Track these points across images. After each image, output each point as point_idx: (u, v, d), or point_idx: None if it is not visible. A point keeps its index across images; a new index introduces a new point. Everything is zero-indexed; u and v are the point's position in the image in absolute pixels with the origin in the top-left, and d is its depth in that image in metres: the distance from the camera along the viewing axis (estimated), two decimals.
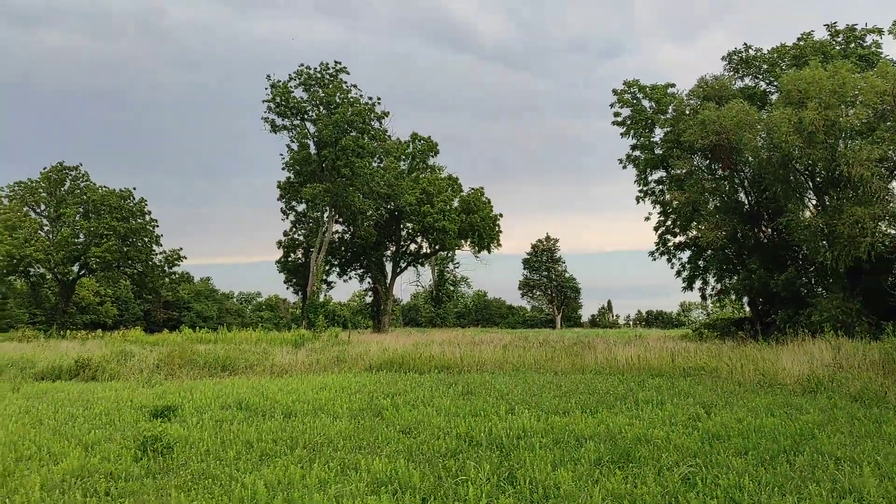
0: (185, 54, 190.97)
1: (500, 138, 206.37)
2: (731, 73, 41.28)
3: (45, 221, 69.51)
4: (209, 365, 26.54)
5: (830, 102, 31.12)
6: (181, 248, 73.47)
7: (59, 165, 70.36)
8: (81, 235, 67.60)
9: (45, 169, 70.37)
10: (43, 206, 69.99)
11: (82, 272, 70.11)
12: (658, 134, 43.65)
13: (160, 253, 72.12)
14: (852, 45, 38.51)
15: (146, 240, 70.74)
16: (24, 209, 68.26)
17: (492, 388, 15.95)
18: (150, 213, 71.67)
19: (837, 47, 38.75)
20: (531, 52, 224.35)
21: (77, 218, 67.76)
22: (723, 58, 41.89)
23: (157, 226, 71.88)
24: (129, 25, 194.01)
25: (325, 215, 56.10)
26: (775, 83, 40.11)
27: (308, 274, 58.58)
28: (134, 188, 71.36)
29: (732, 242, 39.26)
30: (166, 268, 72.76)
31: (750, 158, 36.76)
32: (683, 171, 39.51)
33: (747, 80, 42.30)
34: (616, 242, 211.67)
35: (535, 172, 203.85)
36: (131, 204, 69.64)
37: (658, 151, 42.92)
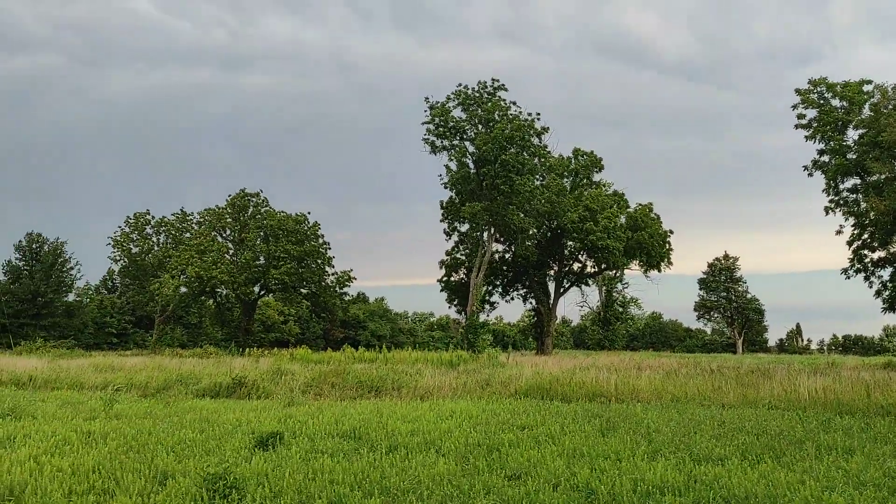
0: (370, 86, 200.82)
1: (682, 156, 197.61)
2: None
3: (230, 245, 74.48)
4: (358, 385, 26.27)
5: None
6: (351, 270, 75.97)
7: (242, 192, 75.32)
8: (262, 258, 71.72)
9: (230, 196, 75.64)
10: (228, 231, 75.08)
11: (262, 292, 74.32)
12: (851, 136, 38.80)
13: (332, 274, 75.02)
14: None
15: (319, 262, 73.84)
16: (213, 234, 73.56)
17: (639, 424, 13.90)
18: (322, 236, 74.96)
19: None
20: (715, 65, 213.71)
21: (258, 241, 72.10)
22: None
23: (330, 248, 74.96)
24: (325, 63, 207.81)
25: (485, 234, 55.35)
26: None
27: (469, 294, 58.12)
28: (309, 212, 74.87)
29: None
30: (338, 288, 75.39)
31: None
32: (883, 175, 34.64)
33: None
34: (808, 261, 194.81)
35: (717, 188, 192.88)
36: (306, 227, 73.05)
37: (851, 156, 38.04)
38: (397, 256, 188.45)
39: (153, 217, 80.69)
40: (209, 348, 56.92)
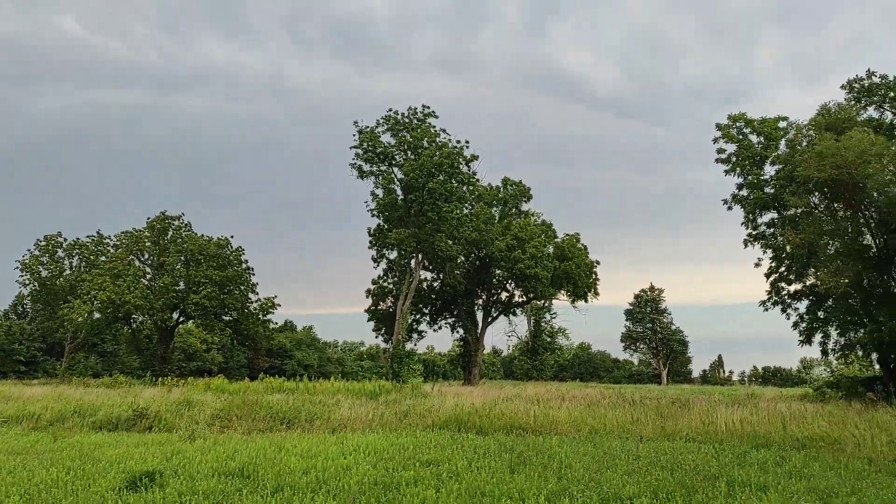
0: (308, 112, 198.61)
1: (612, 188, 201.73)
2: (854, 103, 37.02)
3: (148, 270, 71.49)
4: (269, 417, 24.97)
5: None
6: (275, 297, 73.69)
7: (163, 215, 72.59)
8: (181, 283, 68.99)
9: (149, 219, 72.80)
10: (147, 255, 72.10)
11: (181, 319, 71.43)
12: (768, 171, 39.69)
13: (255, 301, 72.67)
14: None
15: (242, 287, 71.48)
16: (130, 258, 70.47)
17: (552, 458, 13.20)
18: (246, 261, 72.70)
19: None
20: (645, 101, 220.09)
21: (178, 266, 69.38)
22: (842, 86, 37.72)
23: (254, 274, 72.71)
24: (261, 88, 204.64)
25: (412, 261, 54.54)
26: None
27: None
28: (231, 236, 72.66)
29: (857, 290, 34.61)
30: (261, 315, 73.05)
31: (876, 195, 32.46)
32: (799, 209, 35.45)
33: (871, 111, 37.89)
34: (732, 295, 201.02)
35: (647, 222, 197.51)
36: (228, 252, 70.75)
37: (769, 190, 38.89)
38: (333, 284, 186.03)
39: (65, 240, 77.03)
40: (119, 377, 53.93)
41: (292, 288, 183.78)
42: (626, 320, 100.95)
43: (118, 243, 72.50)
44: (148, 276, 70.45)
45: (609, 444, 16.30)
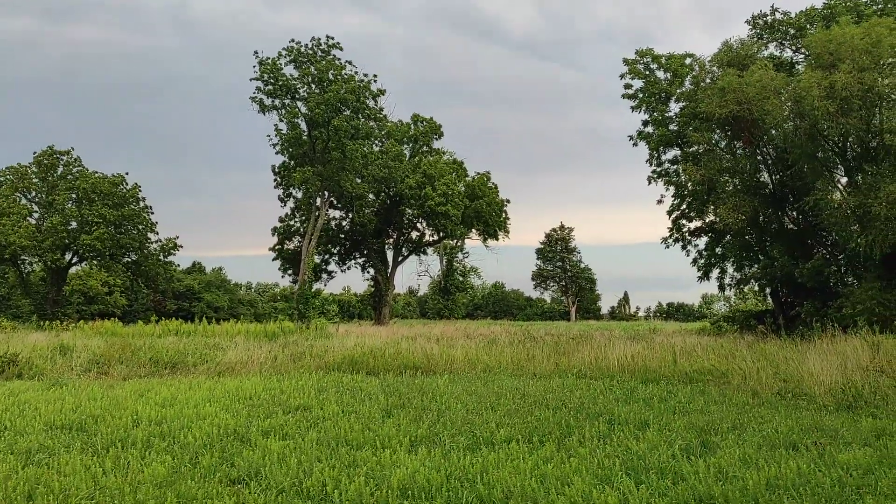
0: (211, 46, 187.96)
1: (526, 130, 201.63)
2: (756, 40, 37.14)
3: (35, 208, 66.99)
4: (152, 361, 23.54)
5: (865, 64, 27.20)
6: (177, 237, 70.54)
7: (50, 150, 67.68)
8: (73, 223, 64.98)
9: (35, 153, 67.86)
10: (34, 192, 67.43)
11: (74, 260, 67.59)
12: (673, 109, 39.74)
13: (156, 241, 69.42)
14: (891, 4, 34.20)
15: (141, 227, 68.04)
16: (15, 195, 65.73)
17: (433, 400, 12.50)
18: (144, 199, 69.01)
19: (875, 6, 34.50)
20: (559, 43, 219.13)
21: (69, 205, 65.20)
22: (746, 21, 37.81)
23: (152, 213, 69.15)
24: (159, 18, 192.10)
25: (318, 200, 52.71)
26: (803, 51, 36.04)
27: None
28: (127, 173, 68.73)
29: (753, 227, 35.35)
30: (162, 256, 69.91)
31: (774, 133, 32.88)
32: (701, 146, 35.67)
33: (773, 49, 38.19)
34: (639, 234, 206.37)
35: (559, 164, 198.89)
36: (124, 190, 66.93)
37: (673, 127, 38.99)
38: (245, 225, 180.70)
39: None
40: (3, 321, 50.68)
41: (202, 230, 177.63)
42: (538, 259, 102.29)
43: (2, 179, 67.47)
44: (35, 215, 66.08)
45: (500, 382, 15.79)
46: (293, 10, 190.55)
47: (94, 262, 68.04)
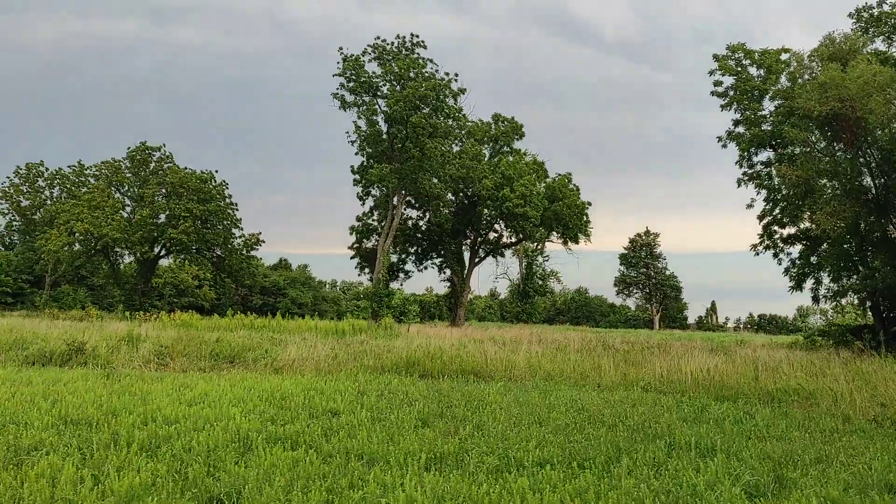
0: (305, 47, 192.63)
1: (613, 132, 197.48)
2: (861, 34, 34.29)
3: (127, 201, 69.50)
4: (214, 355, 23.40)
5: None
6: (260, 233, 72.02)
7: (143, 145, 70.15)
8: (161, 217, 67.04)
9: (129, 149, 70.40)
10: (126, 187, 69.97)
11: (161, 253, 69.69)
12: (767, 107, 37.26)
13: (240, 237, 70.90)
14: None
15: (226, 223, 69.63)
16: (109, 189, 68.28)
17: (478, 409, 11.46)
18: (230, 196, 70.63)
19: None
20: (652, 44, 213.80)
21: (158, 199, 67.27)
22: (850, 14, 34.95)
23: (237, 209, 70.65)
24: (256, 20, 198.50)
25: (395, 199, 52.36)
26: None
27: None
28: (216, 171, 70.48)
29: (853, 235, 32.57)
30: (245, 251, 71.32)
31: (878, 133, 30.18)
32: (797, 146, 33.18)
33: (879, 44, 35.20)
34: (730, 242, 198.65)
35: (646, 167, 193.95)
36: (211, 186, 68.60)
37: (766, 127, 36.52)
38: (332, 223, 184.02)
39: (47, 169, 74.84)
40: (91, 310, 52.56)
41: (291, 227, 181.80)
42: (621, 264, 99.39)
43: (97, 173, 70.34)
44: (127, 209, 68.51)
45: (558, 393, 14.58)
46: (386, 12, 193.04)
47: (181, 255, 70.04)
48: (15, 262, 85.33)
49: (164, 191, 67.77)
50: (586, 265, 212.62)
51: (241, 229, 70.75)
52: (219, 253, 70.17)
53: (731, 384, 15.44)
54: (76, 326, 35.53)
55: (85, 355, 22.54)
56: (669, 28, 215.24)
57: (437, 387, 14.99)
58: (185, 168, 69.23)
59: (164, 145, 71.51)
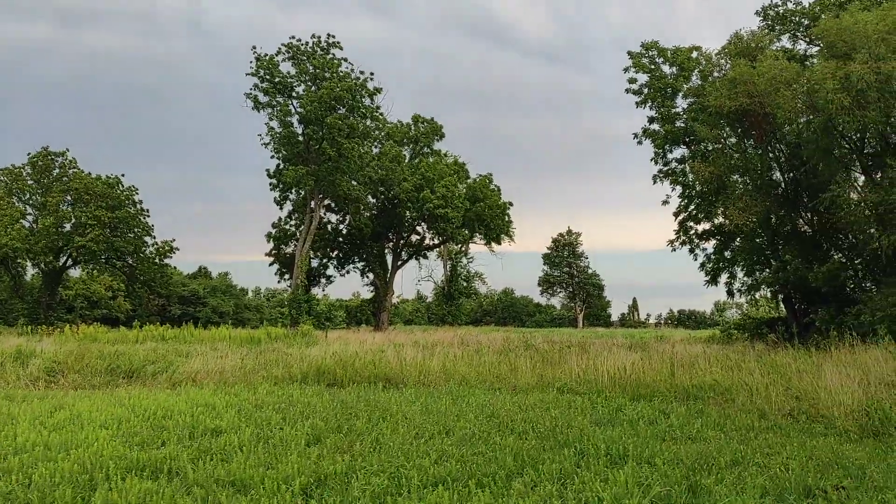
0: (224, 52, 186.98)
1: (537, 135, 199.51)
2: (768, 31, 35.03)
3: (29, 210, 65.56)
4: (111, 370, 21.78)
5: (882, 53, 25.09)
6: (174, 240, 68.98)
7: (45, 151, 66.25)
8: (67, 225, 63.52)
9: (30, 154, 66.44)
10: (28, 195, 66.00)
11: (68, 263, 66.03)
12: (680, 105, 37.72)
13: (152, 245, 67.83)
14: None
15: (137, 230, 66.52)
16: (9, 197, 64.22)
17: (380, 421, 10.60)
18: (140, 202, 67.50)
19: None
20: (572, 48, 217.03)
21: (63, 206, 63.74)
22: (756, 12, 35.69)
23: (148, 216, 67.58)
24: (173, 24, 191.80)
25: (312, 202, 50.88)
26: (817, 42, 33.91)
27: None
28: (123, 175, 67.33)
29: (765, 229, 33.23)
30: (158, 259, 68.26)
31: (787, 128, 30.82)
32: (709, 143, 33.60)
33: (785, 41, 36.06)
34: (650, 241, 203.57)
35: (569, 169, 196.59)
36: (118, 192, 65.41)
37: (680, 124, 36.93)
38: (254, 231, 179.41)
39: None
40: None
41: (213, 234, 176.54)
42: (544, 264, 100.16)
43: None
44: (29, 217, 64.62)
45: (471, 398, 13.85)
46: (307, 15, 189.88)
47: (89, 265, 66.59)
48: None
49: (69, 198, 64.29)
50: (511, 266, 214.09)
51: (154, 237, 67.78)
52: (130, 262, 66.99)
53: (647, 382, 15.04)
54: None
55: None
56: (588, 33, 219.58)
57: (342, 397, 14.04)
58: (89, 173, 65.80)
59: (68, 150, 67.82)
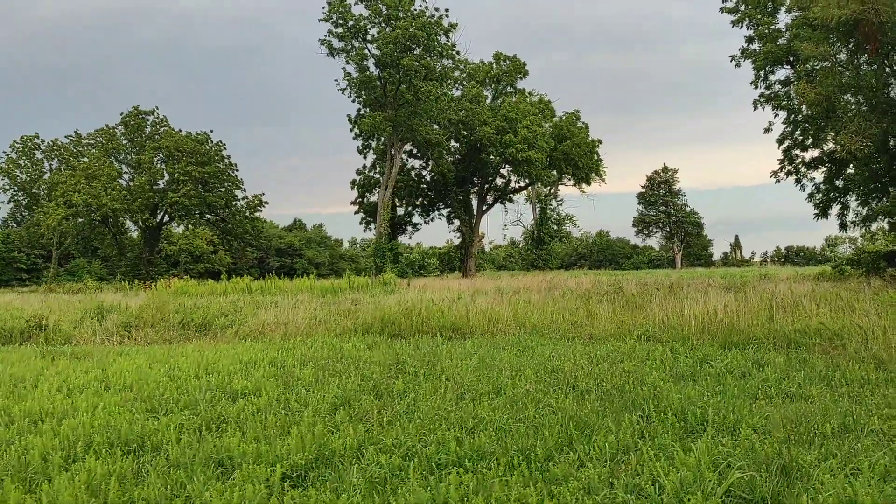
0: (305, 6, 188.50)
1: (629, 70, 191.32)
2: None
3: (125, 168, 67.76)
4: (184, 324, 21.63)
5: None
6: (263, 193, 70.04)
7: (136, 110, 68.09)
8: (161, 182, 65.31)
9: (122, 114, 68.33)
10: (123, 154, 68.13)
11: (165, 219, 68.11)
12: (783, 20, 34.12)
13: (242, 199, 69.04)
14: None
15: (228, 185, 67.74)
16: (107, 157, 66.41)
17: (428, 377, 9.44)
18: (229, 157, 68.55)
19: None
20: None
21: (156, 163, 65.45)
22: None
23: (238, 170, 68.63)
24: None
25: (392, 148, 49.85)
26: None
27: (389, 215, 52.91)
28: (211, 131, 68.43)
29: (882, 153, 29.79)
30: (248, 213, 69.48)
31: None
32: (816, 61, 30.23)
33: None
34: (754, 174, 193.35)
35: (663, 104, 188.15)
36: (208, 148, 66.55)
37: (782, 42, 33.43)
38: (344, 181, 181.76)
39: (43, 141, 73.16)
40: (88, 281, 51.26)
41: (308, 189, 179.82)
42: (639, 204, 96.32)
43: (92, 142, 68.59)
44: (126, 176, 66.80)
45: (537, 349, 12.49)
46: None
47: (184, 220, 68.50)
48: (26, 237, 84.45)
49: (160, 155, 65.93)
50: (606, 207, 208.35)
51: (244, 191, 68.95)
52: (222, 216, 68.47)
53: (741, 327, 13.21)
54: (71, 299, 33.98)
55: (46, 331, 20.99)
56: None
57: (398, 349, 12.97)
58: (180, 130, 67.20)
59: (158, 108, 69.71)
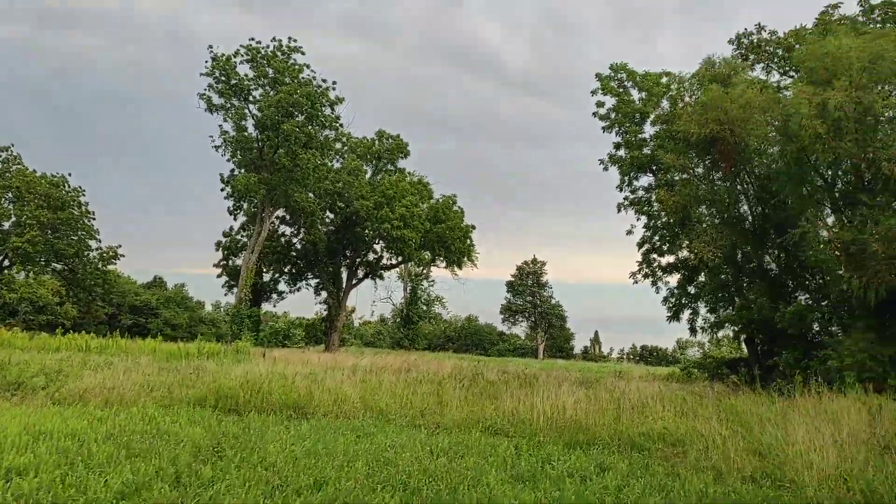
0: (201, 64, 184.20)
1: (511, 166, 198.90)
2: (740, 61, 33.68)
3: None
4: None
5: (862, 82, 23.67)
6: (119, 246, 65.81)
7: None
8: (6, 224, 60.13)
9: None
10: None
11: (5, 264, 62.45)
12: (648, 131, 36.17)
13: (96, 249, 64.53)
14: (889, 24, 30.81)
15: (81, 233, 63.26)
16: None
17: (235, 469, 8.33)
18: (87, 204, 64.25)
19: (872, 25, 30.97)
20: (553, 81, 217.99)
21: (3, 203, 60.39)
22: (730, 41, 34.34)
23: (94, 218, 64.36)
24: (153, 32, 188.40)
25: (263, 212, 48.32)
26: (792, 73, 32.65)
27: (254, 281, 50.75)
28: (69, 174, 64.12)
29: (730, 265, 31.60)
30: (100, 265, 64.91)
31: (757, 160, 29.39)
32: (676, 172, 32.02)
33: (759, 72, 34.71)
34: (617, 274, 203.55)
35: (542, 200, 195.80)
36: (64, 192, 62.23)
37: (647, 151, 35.36)
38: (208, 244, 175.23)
39: None
40: None
41: (173, 246, 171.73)
42: (507, 292, 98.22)
43: None
44: None
45: (377, 436, 11.62)
46: (287, 33, 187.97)
47: (21, 267, 63.11)
48: None
49: (9, 195, 60.99)
50: (477, 292, 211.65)
51: (99, 241, 64.54)
52: (70, 265, 63.61)
53: (588, 425, 12.92)
54: None
55: None
56: (568, 66, 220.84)
57: (225, 427, 11.70)
58: (34, 171, 62.56)
59: (12, 145, 64.40)
